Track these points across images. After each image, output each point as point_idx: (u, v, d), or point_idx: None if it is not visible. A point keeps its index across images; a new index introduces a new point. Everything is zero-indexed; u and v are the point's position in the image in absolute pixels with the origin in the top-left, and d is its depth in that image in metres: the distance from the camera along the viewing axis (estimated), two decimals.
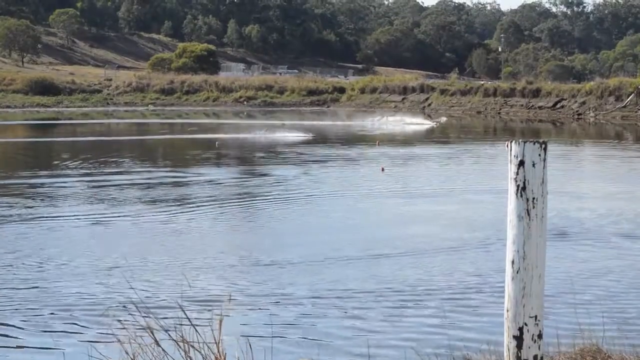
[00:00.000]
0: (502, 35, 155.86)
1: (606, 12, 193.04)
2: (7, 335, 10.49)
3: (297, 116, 69.96)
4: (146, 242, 16.30)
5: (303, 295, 12.26)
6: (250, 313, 11.22)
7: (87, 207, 20.81)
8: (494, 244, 15.52)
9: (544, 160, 4.80)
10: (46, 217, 19.19)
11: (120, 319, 6.70)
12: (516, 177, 4.78)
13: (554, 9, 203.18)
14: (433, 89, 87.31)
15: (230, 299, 10.94)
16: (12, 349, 10.06)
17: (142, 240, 16.57)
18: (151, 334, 5.25)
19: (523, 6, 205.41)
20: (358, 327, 10.65)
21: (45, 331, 10.59)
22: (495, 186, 22.70)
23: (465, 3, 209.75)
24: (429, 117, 66.53)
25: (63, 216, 19.32)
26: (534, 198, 4.76)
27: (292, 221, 19.34)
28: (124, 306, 10.69)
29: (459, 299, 12.04)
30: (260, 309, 11.48)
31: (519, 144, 4.79)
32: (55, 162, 32.17)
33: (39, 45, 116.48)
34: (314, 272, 13.79)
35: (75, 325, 10.77)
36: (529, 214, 4.76)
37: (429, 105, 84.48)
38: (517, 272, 4.79)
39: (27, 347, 10.15)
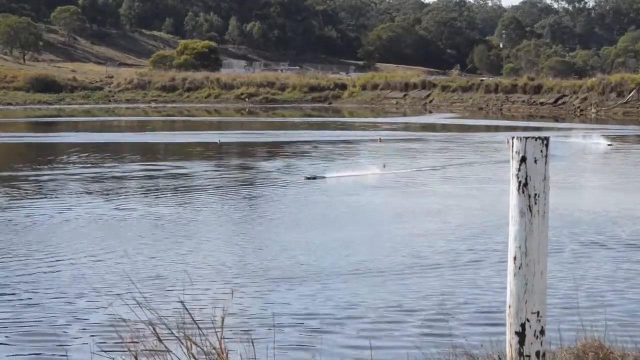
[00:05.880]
0: (503, 31, 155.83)
1: (607, 8, 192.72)
2: (8, 333, 10.49)
3: None
4: (148, 237, 16.29)
5: (304, 294, 12.27)
6: (252, 310, 11.23)
7: (85, 201, 20.81)
8: (496, 241, 15.51)
9: (546, 156, 4.79)
10: (43, 211, 19.18)
11: (122, 315, 6.71)
12: (518, 174, 4.77)
13: (555, 5, 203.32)
14: (434, 85, 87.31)
15: (232, 296, 10.94)
16: (14, 349, 10.06)
17: (144, 234, 16.56)
18: (153, 331, 5.26)
19: (524, 2, 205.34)
20: (359, 324, 10.66)
21: (47, 328, 10.59)
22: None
23: None
24: None
25: (61, 211, 19.32)
26: (535, 194, 4.75)
27: (287, 222, 19.35)
28: (126, 302, 10.69)
29: (461, 294, 12.04)
30: (262, 306, 11.49)
31: (520, 140, 4.78)
32: (49, 159, 32.20)
33: (41, 43, 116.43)
34: (315, 271, 13.80)
35: (77, 321, 10.78)
36: (530, 210, 4.75)
37: (431, 101, 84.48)
38: (519, 268, 4.78)
39: (29, 343, 10.14)
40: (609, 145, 38.31)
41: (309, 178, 25.58)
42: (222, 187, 24.40)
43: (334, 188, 24.13)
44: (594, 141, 39.63)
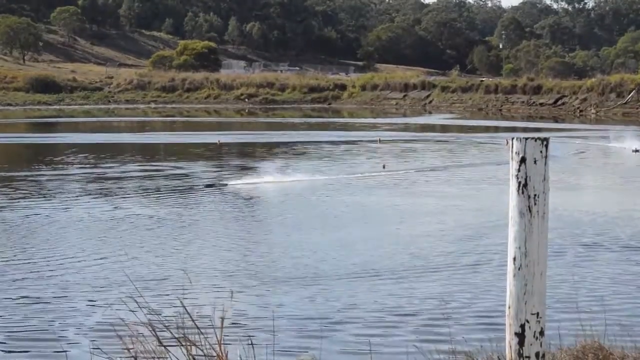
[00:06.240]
0: (503, 32, 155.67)
1: (607, 8, 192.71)
2: (6, 335, 10.48)
3: None
4: (147, 238, 16.28)
5: (304, 296, 12.26)
6: (252, 312, 11.22)
7: (84, 201, 20.80)
8: (496, 242, 15.50)
9: (546, 157, 4.78)
10: (42, 211, 19.17)
11: (122, 316, 6.70)
12: (517, 174, 4.76)
13: (555, 6, 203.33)
14: (434, 86, 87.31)
15: (232, 297, 10.93)
16: (13, 352, 10.05)
17: (143, 235, 16.55)
18: (153, 333, 5.25)
19: (524, 3, 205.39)
20: (359, 327, 10.65)
21: (45, 329, 10.58)
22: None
23: (466, 0, 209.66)
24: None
25: (60, 211, 19.31)
26: (535, 195, 4.74)
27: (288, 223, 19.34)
28: (126, 303, 10.67)
29: (461, 296, 12.03)
30: (262, 308, 11.47)
31: (520, 140, 4.77)
32: (46, 160, 32.19)
33: (40, 43, 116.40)
34: (315, 272, 13.78)
35: (76, 323, 10.76)
36: (530, 211, 4.74)
37: (430, 102, 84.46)
38: (519, 269, 4.77)
39: (28, 345, 10.13)
40: (634, 151, 35.32)
41: (208, 185, 24.30)
42: (221, 187, 24.35)
43: (232, 196, 23.34)
44: (619, 145, 37.79)
